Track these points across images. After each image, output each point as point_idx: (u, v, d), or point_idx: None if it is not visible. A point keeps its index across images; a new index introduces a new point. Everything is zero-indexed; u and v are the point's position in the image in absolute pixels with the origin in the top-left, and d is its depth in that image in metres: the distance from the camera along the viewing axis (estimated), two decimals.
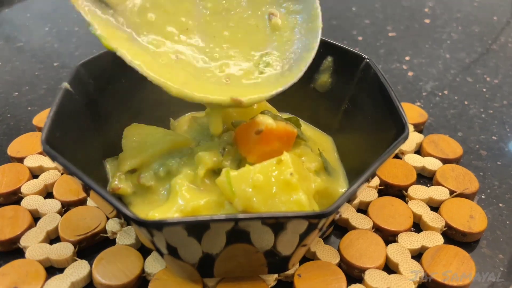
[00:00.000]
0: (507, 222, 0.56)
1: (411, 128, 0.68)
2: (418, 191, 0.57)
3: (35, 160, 0.60)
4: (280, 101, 0.54)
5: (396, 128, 0.44)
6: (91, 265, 0.48)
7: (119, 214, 0.38)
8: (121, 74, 0.55)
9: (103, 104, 0.53)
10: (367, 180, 0.41)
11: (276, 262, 0.44)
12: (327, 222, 0.39)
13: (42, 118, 0.68)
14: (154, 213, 0.44)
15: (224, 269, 0.45)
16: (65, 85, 0.47)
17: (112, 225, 0.52)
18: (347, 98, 0.57)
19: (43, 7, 1.09)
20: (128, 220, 0.35)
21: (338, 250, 0.50)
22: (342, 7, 1.11)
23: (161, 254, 0.40)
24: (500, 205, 0.58)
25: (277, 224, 0.37)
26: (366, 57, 0.54)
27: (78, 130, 0.48)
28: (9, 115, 0.71)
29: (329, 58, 0.57)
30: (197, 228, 0.37)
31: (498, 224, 0.55)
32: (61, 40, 0.94)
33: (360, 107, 0.56)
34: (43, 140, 0.40)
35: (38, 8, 1.08)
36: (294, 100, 0.60)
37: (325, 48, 0.56)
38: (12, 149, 0.62)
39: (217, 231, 0.38)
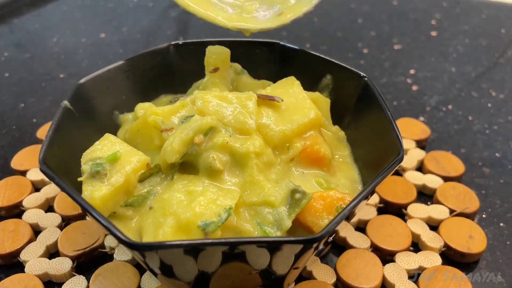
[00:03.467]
0: (507, 243, 0.55)
1: (413, 144, 0.67)
2: (417, 210, 0.57)
3: (37, 173, 0.61)
4: None
5: (392, 150, 0.44)
6: (88, 280, 0.48)
7: None
8: (121, 91, 0.56)
9: (104, 121, 0.54)
10: (360, 201, 0.41)
11: (272, 281, 0.44)
12: (320, 243, 0.39)
13: (45, 131, 0.68)
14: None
15: None
16: (65, 103, 0.48)
17: (110, 240, 0.52)
18: (347, 116, 0.57)
19: (52, 17, 1.10)
20: (120, 242, 0.35)
21: (335, 269, 0.50)
22: (348, 19, 1.11)
23: (155, 274, 0.40)
24: (501, 224, 0.57)
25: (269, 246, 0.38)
26: (364, 76, 0.54)
27: (78, 147, 0.48)
28: (14, 127, 0.72)
29: (328, 76, 0.57)
30: (189, 250, 0.37)
31: (498, 244, 0.55)
32: (68, 51, 0.95)
33: (360, 124, 0.55)
34: (41, 160, 0.40)
35: (47, 18, 1.10)
36: None
37: (324, 65, 0.56)
38: (16, 162, 0.62)
39: (211, 252, 0.38)
